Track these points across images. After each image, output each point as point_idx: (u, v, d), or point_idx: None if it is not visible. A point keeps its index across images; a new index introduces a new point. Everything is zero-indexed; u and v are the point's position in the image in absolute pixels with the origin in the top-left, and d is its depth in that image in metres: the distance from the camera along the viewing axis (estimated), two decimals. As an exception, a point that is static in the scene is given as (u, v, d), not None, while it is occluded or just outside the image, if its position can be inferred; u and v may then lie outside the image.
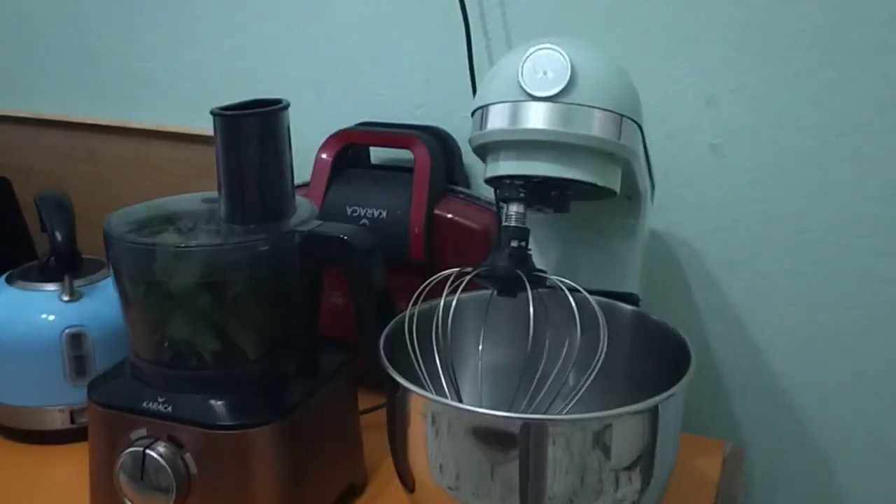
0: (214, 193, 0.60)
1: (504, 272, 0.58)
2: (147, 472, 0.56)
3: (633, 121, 0.57)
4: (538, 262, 0.59)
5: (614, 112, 0.56)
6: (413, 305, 0.59)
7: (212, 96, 0.69)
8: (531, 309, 0.55)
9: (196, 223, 0.61)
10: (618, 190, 0.58)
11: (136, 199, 0.66)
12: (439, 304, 0.57)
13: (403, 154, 0.78)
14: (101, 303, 0.75)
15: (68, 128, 1.02)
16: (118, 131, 1.00)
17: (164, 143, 0.96)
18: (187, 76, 0.95)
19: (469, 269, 0.58)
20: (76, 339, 0.74)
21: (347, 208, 0.79)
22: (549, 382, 0.60)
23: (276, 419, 0.58)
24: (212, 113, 0.56)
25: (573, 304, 0.55)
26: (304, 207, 0.64)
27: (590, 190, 0.58)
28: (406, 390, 0.53)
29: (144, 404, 0.57)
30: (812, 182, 0.74)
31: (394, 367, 0.53)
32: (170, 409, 0.56)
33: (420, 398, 0.52)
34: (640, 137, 0.59)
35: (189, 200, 0.66)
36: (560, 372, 0.59)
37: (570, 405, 0.58)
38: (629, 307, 0.63)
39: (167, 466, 0.55)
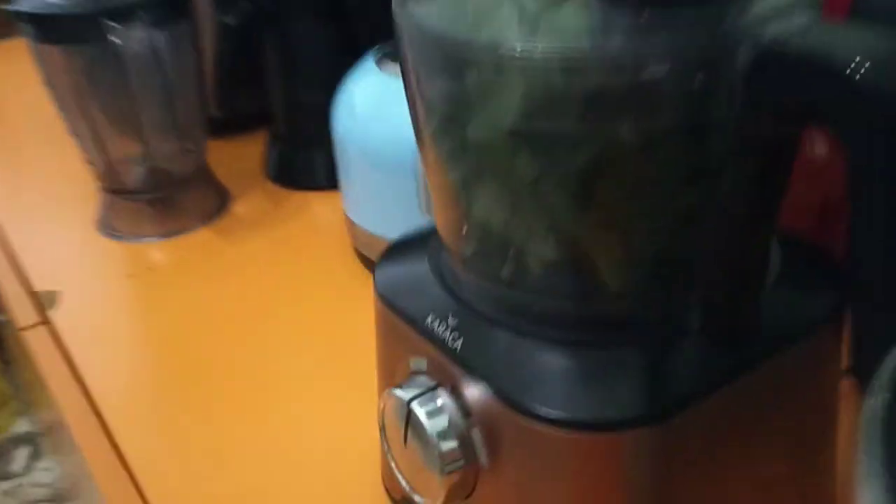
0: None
1: None
2: (412, 436, 0.36)
3: None
4: None
5: None
6: None
7: None
8: None
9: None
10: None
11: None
12: None
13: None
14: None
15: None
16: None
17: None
18: None
19: None
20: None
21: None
22: None
23: (652, 419, 0.31)
24: None
25: None
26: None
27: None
28: None
29: (430, 320, 0.36)
30: None
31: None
32: (458, 345, 0.34)
33: None
34: None
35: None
36: None
37: None
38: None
39: (436, 441, 0.34)
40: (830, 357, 0.37)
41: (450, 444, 0.34)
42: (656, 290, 0.33)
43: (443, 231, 0.37)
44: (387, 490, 0.44)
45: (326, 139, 0.68)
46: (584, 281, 0.33)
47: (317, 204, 0.74)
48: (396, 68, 0.59)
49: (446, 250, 0.37)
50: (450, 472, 0.34)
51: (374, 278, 0.40)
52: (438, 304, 0.36)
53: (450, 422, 0.35)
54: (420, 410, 0.35)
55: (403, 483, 0.38)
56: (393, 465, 0.38)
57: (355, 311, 0.60)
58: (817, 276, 0.37)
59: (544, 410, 0.32)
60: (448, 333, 0.35)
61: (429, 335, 0.36)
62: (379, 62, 0.60)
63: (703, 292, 0.32)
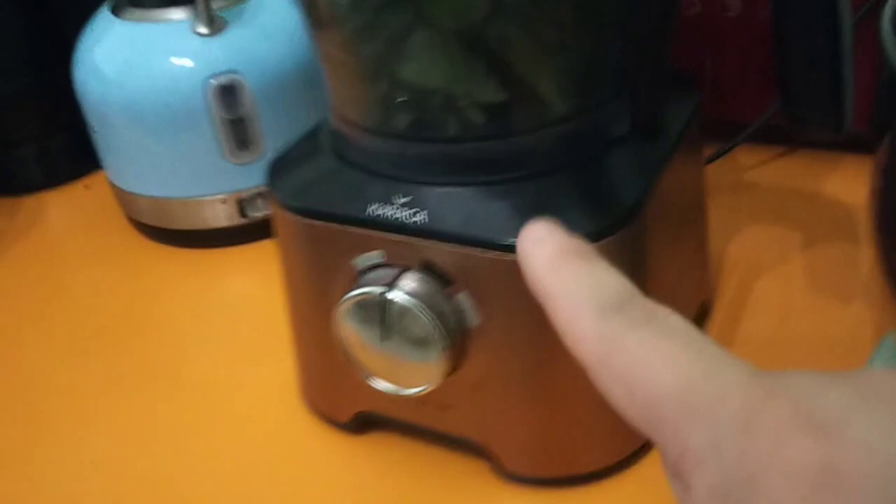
0: None
1: None
2: (392, 326, 0.34)
3: None
4: None
5: None
6: None
7: None
8: None
9: None
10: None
11: None
12: None
13: None
14: (255, 33, 0.52)
15: None
16: None
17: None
18: None
19: None
20: (228, 93, 0.50)
21: None
22: None
23: (617, 223, 0.33)
24: None
25: None
26: None
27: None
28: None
29: (372, 209, 0.34)
30: None
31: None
32: (422, 216, 0.33)
33: None
34: None
35: None
36: None
37: None
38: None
39: (428, 318, 0.33)
40: (699, 145, 0.42)
41: (445, 315, 0.34)
42: (592, 103, 0.35)
43: (365, 115, 0.35)
44: (329, 419, 0.42)
45: (43, 128, 0.61)
46: (530, 112, 0.33)
47: (54, 202, 0.65)
48: (140, 13, 0.54)
49: (365, 135, 0.36)
50: (449, 345, 0.34)
51: (275, 201, 0.38)
52: (374, 193, 0.35)
53: (432, 296, 0.34)
54: (399, 296, 0.34)
55: (384, 386, 0.36)
56: (366, 376, 0.37)
57: (169, 282, 0.55)
58: (684, 84, 0.41)
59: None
60: (405, 212, 0.34)
61: (380, 223, 0.34)
62: (117, 12, 0.54)
63: (628, 96, 0.35)
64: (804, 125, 0.34)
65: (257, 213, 0.55)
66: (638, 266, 0.35)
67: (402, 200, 0.34)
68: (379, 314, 0.35)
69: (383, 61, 0.33)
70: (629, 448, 0.38)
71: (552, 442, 0.37)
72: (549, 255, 0.22)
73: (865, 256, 0.48)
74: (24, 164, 0.66)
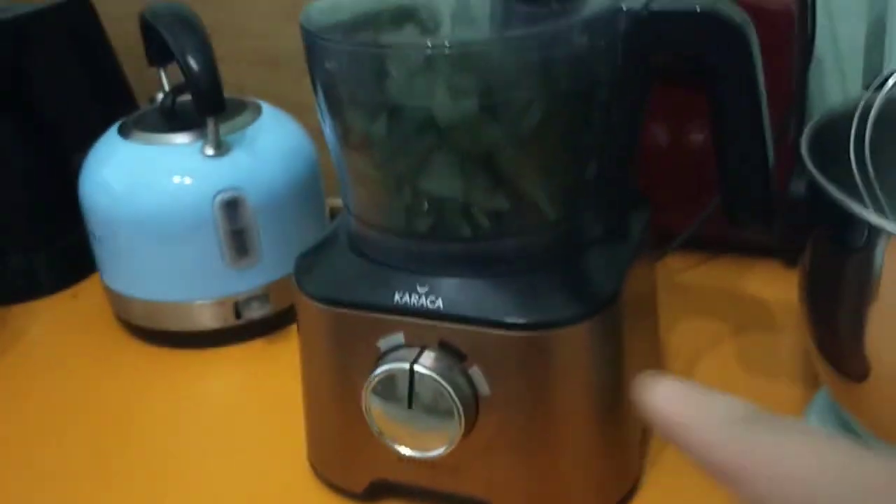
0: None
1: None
2: (416, 397, 0.41)
3: None
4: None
5: None
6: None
7: None
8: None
9: (446, 15, 0.44)
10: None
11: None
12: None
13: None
14: (254, 156, 0.59)
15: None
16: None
17: None
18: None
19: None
20: (232, 207, 0.57)
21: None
22: None
23: (599, 306, 0.41)
24: None
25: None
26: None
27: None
28: (878, 231, 0.36)
29: (399, 297, 0.42)
30: None
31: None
32: (439, 304, 0.41)
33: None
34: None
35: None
36: None
37: None
38: None
39: (449, 387, 0.40)
40: (651, 248, 0.50)
41: (460, 386, 0.40)
42: (574, 212, 0.43)
43: (388, 219, 0.43)
44: (344, 490, 0.47)
45: (31, 242, 0.66)
46: (527, 218, 0.42)
47: (42, 310, 0.69)
48: (146, 136, 0.62)
49: (387, 236, 0.43)
50: (465, 412, 0.40)
51: (302, 294, 0.44)
52: (398, 283, 0.42)
53: (449, 370, 0.41)
54: (424, 369, 0.40)
55: (408, 451, 0.42)
56: (390, 443, 0.43)
57: (165, 382, 0.60)
58: (637, 200, 0.50)
59: (523, 320, 0.40)
60: (425, 299, 0.41)
61: (404, 309, 0.41)
62: (124, 134, 0.61)
63: (600, 207, 0.44)
64: (742, 225, 0.43)
65: (252, 315, 0.60)
66: (617, 342, 0.43)
67: (422, 290, 0.41)
68: (405, 386, 0.41)
69: (408, 176, 0.41)
70: (615, 496, 0.45)
71: (550, 493, 0.43)
72: (670, 393, 0.24)
73: (782, 342, 0.57)
74: (10, 276, 0.70)
